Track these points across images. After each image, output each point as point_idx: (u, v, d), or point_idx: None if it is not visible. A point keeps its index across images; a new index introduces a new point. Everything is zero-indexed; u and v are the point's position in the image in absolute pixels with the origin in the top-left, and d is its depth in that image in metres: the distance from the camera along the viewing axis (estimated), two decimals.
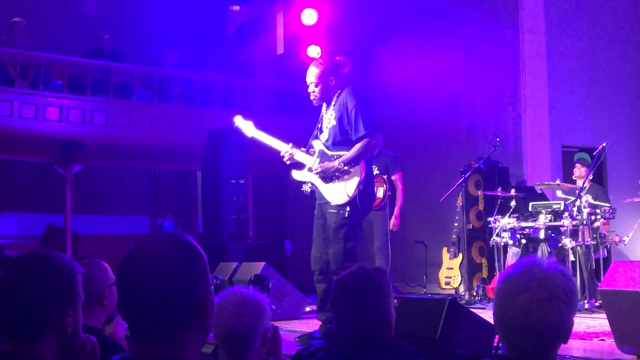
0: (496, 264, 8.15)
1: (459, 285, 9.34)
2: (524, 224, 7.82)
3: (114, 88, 11.13)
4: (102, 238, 12.37)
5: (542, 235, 7.72)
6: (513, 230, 7.90)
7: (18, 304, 1.93)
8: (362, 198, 5.42)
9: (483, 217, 9.27)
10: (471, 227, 9.52)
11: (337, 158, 5.42)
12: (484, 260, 9.37)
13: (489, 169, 9.36)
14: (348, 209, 5.38)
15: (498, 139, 8.76)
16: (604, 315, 4.93)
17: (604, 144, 7.76)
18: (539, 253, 7.81)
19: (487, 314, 5.27)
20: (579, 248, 7.42)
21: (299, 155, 5.59)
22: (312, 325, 6.40)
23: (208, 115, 11.15)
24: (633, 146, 10.68)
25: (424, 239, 10.44)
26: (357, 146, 5.39)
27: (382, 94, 11.17)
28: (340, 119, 5.44)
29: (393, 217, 8.62)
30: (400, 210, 8.71)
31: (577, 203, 7.51)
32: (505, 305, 1.87)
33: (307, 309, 7.55)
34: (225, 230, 9.19)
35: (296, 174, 5.69)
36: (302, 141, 5.73)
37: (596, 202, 7.76)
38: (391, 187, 8.52)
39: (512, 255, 8.00)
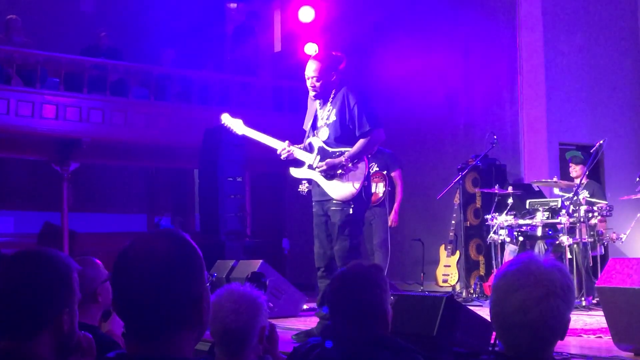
0: (493, 262, 8.16)
1: (456, 282, 9.34)
2: (521, 222, 7.83)
3: (111, 86, 11.10)
4: (99, 236, 12.35)
5: (539, 232, 7.73)
6: (510, 228, 7.90)
7: (14, 301, 1.93)
8: (366, 193, 5.46)
9: (480, 214, 9.28)
10: (468, 225, 9.52)
11: (338, 155, 5.42)
12: (481, 258, 9.38)
13: (486, 166, 9.36)
14: (352, 205, 5.39)
15: (495, 137, 8.77)
16: (601, 313, 4.94)
17: (602, 141, 7.77)
18: (536, 250, 7.81)
19: (484, 312, 5.27)
20: (576, 245, 7.43)
21: (298, 152, 5.58)
22: (309, 322, 6.40)
23: (205, 113, 11.12)
24: (630, 143, 10.69)
25: (422, 237, 10.44)
26: (361, 142, 5.41)
27: (380, 91, 11.17)
28: (341, 115, 5.43)
29: (392, 213, 8.64)
30: (399, 206, 8.73)
31: (575, 200, 7.51)
32: (502, 302, 1.87)
33: (305, 306, 7.56)
34: (222, 228, 9.18)
35: (295, 172, 5.67)
36: (299, 139, 5.72)
37: (593, 199, 7.77)
38: (390, 184, 8.54)
39: (510, 252, 8.01)
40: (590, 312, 6.80)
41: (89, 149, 10.88)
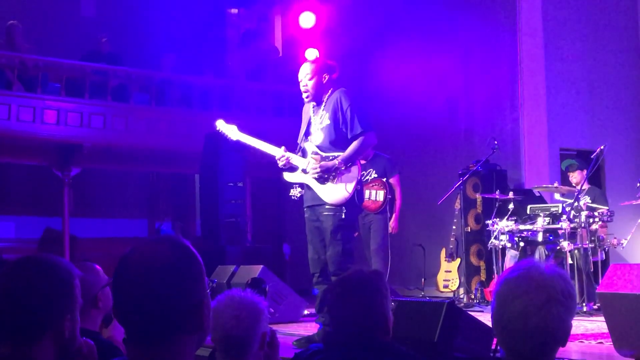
0: (494, 267, 8.15)
1: (457, 288, 9.34)
2: (522, 227, 7.82)
3: (111, 91, 11.12)
4: (100, 241, 12.35)
5: (540, 238, 7.72)
6: (511, 233, 7.90)
7: (16, 307, 1.93)
8: (359, 198, 5.47)
9: (481, 220, 9.27)
10: (469, 230, 9.52)
11: (332, 159, 5.43)
12: (482, 263, 9.37)
13: (487, 171, 9.36)
14: (344, 210, 5.39)
15: (496, 142, 8.77)
16: (602, 318, 4.93)
17: (602, 147, 7.76)
18: (537, 256, 7.81)
19: (485, 317, 5.26)
20: (577, 251, 7.42)
21: (294, 158, 5.59)
22: (310, 328, 6.39)
23: (206, 118, 11.09)
24: (631, 149, 10.69)
25: (422, 242, 10.43)
26: (354, 145, 5.42)
27: (380, 97, 11.18)
28: (335, 119, 5.45)
29: (392, 219, 8.60)
30: (399, 212, 8.70)
31: (575, 206, 7.51)
32: (503, 308, 1.87)
33: (305, 312, 7.55)
34: (223, 234, 9.19)
35: (288, 176, 5.68)
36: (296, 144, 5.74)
37: (594, 205, 7.76)
38: (390, 190, 8.50)
39: (510, 258, 8.00)
40: (591, 318, 6.79)
41: (90, 154, 10.89)
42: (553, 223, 7.62)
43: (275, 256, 11.67)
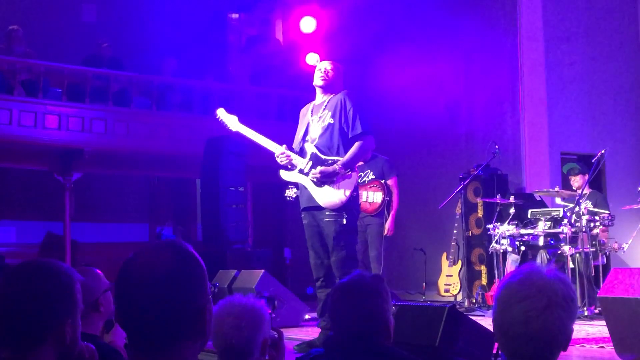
0: (495, 271, 8.15)
1: (459, 292, 9.33)
2: (523, 231, 7.83)
3: (113, 96, 11.13)
4: (101, 246, 12.36)
5: (541, 242, 7.72)
6: (512, 238, 7.90)
7: (17, 312, 1.93)
8: (355, 202, 5.49)
9: (482, 224, 9.27)
10: (470, 234, 9.52)
11: (331, 163, 5.44)
12: (483, 268, 9.36)
13: (488, 176, 9.36)
14: (345, 215, 5.40)
15: (497, 146, 8.77)
16: (604, 323, 4.93)
17: (603, 151, 7.77)
18: (538, 260, 7.81)
19: (486, 322, 5.26)
20: (578, 255, 7.42)
21: (293, 157, 5.60)
22: (311, 333, 6.39)
23: (207, 122, 11.10)
24: (632, 153, 10.69)
25: (423, 246, 10.43)
26: (353, 149, 5.46)
27: (381, 101, 11.19)
28: (338, 118, 5.51)
29: (388, 222, 8.55)
30: (396, 215, 8.64)
31: (576, 210, 7.51)
32: (505, 312, 1.87)
33: (306, 316, 7.54)
34: (224, 238, 9.18)
35: (285, 175, 5.69)
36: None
37: (595, 209, 7.76)
38: (388, 192, 8.42)
39: (511, 262, 8.00)
40: (592, 322, 6.79)
41: (91, 159, 10.90)
42: (554, 227, 7.62)
43: (276, 261, 11.68)
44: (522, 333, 1.83)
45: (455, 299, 9.21)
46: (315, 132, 5.58)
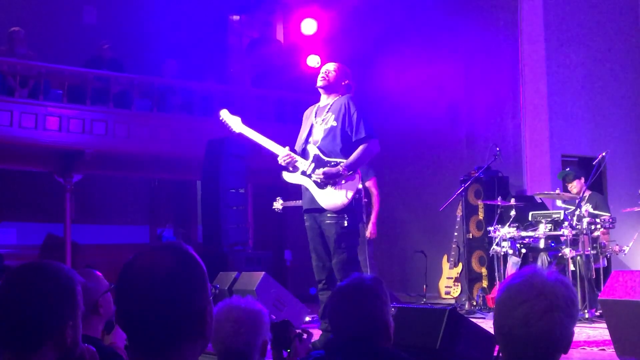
0: (496, 274, 8.14)
1: (459, 294, 9.33)
2: (523, 234, 7.82)
3: (113, 98, 11.13)
4: (101, 248, 12.35)
5: (542, 244, 7.72)
6: (513, 240, 7.90)
7: (17, 314, 1.93)
8: (357, 205, 5.48)
9: (483, 226, 9.27)
10: (471, 237, 9.51)
11: (334, 165, 5.44)
12: (484, 270, 9.36)
13: (488, 178, 9.36)
14: (346, 217, 5.40)
15: (498, 149, 8.77)
16: (605, 325, 4.93)
17: (604, 154, 7.77)
18: (539, 262, 7.80)
19: (487, 324, 5.27)
20: (579, 257, 7.42)
21: (297, 159, 5.60)
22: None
23: (208, 124, 11.13)
24: (633, 155, 10.68)
25: (424, 249, 10.43)
26: (358, 151, 5.45)
27: (382, 103, 11.19)
28: (342, 121, 5.49)
29: (370, 224, 8.51)
30: (377, 217, 8.59)
31: (577, 212, 7.51)
32: (505, 315, 1.87)
33: (307, 318, 7.54)
34: (225, 240, 9.18)
35: (288, 176, 5.69)
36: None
37: (596, 212, 7.76)
38: (366, 194, 8.29)
39: (512, 264, 7.99)
40: (593, 325, 6.78)
41: (92, 161, 10.89)
42: (555, 230, 7.62)
43: (276, 262, 11.68)
44: (523, 336, 1.83)
45: (456, 301, 9.21)
46: (318, 134, 5.58)
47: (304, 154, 5.64)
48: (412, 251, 10.69)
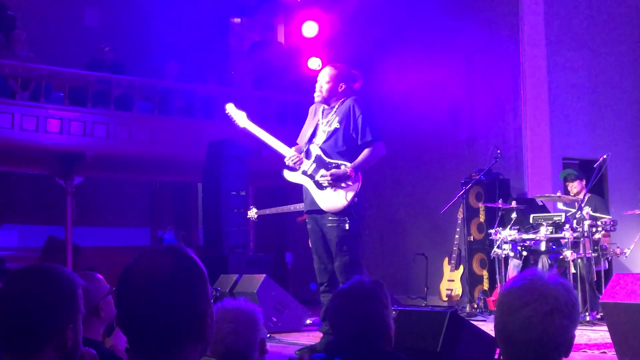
0: (497, 276, 8.14)
1: (460, 297, 9.32)
2: (525, 236, 7.82)
3: (115, 100, 11.14)
4: (102, 250, 12.36)
5: (543, 247, 7.72)
6: (514, 242, 7.89)
7: (18, 317, 1.93)
8: (358, 207, 5.47)
9: (484, 229, 9.26)
10: (472, 239, 9.51)
11: (335, 166, 5.43)
12: (485, 273, 9.35)
13: (489, 180, 9.35)
14: (348, 220, 5.39)
15: (499, 151, 8.77)
16: (606, 328, 4.93)
17: (605, 156, 7.76)
18: (540, 265, 7.80)
19: (488, 327, 5.27)
20: (579, 260, 7.41)
21: (304, 160, 5.60)
22: (313, 337, 6.39)
23: (209, 127, 11.16)
24: (634, 158, 10.68)
25: (425, 251, 10.42)
26: (365, 153, 5.44)
27: (383, 105, 11.18)
28: (345, 124, 5.48)
29: None
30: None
31: (578, 215, 7.50)
32: (506, 318, 1.87)
33: (308, 321, 7.54)
34: (226, 242, 9.18)
35: (289, 175, 5.69)
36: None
37: (596, 214, 7.75)
38: None
39: (513, 267, 7.99)
40: (594, 327, 6.78)
41: (93, 163, 10.91)
42: (556, 232, 7.61)
43: (277, 265, 11.67)
44: (524, 339, 1.83)
45: (457, 303, 9.20)
46: (322, 135, 5.58)
47: (306, 153, 5.63)
48: (413, 253, 10.68)
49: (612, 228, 7.56)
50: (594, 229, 7.46)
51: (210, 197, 9.57)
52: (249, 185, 10.28)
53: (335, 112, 5.58)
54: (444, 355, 3.97)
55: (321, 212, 5.49)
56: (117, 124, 11.07)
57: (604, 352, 5.23)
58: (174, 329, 1.62)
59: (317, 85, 5.63)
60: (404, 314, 4.31)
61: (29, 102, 10.51)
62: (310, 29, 11.87)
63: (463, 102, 10.81)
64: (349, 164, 5.42)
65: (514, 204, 8.21)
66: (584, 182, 8.14)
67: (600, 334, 6.22)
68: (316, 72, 5.86)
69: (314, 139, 5.63)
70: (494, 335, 1.96)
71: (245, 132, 5.91)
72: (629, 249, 7.64)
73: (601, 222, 7.52)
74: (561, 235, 7.50)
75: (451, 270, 9.48)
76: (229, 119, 5.98)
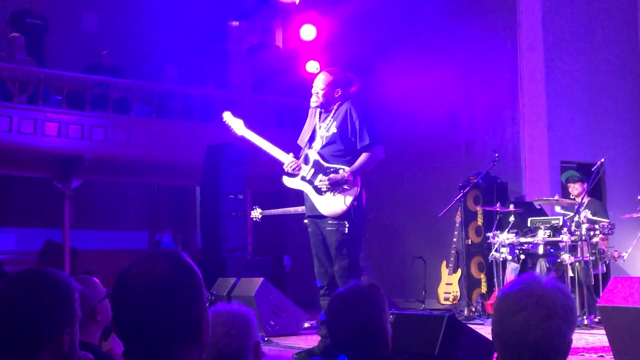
0: (495, 280, 8.14)
1: (458, 300, 9.32)
2: (522, 240, 7.82)
3: (113, 103, 11.14)
4: (100, 253, 12.34)
5: (540, 250, 7.72)
6: (512, 246, 7.89)
7: (15, 321, 1.93)
8: (358, 211, 5.45)
9: (482, 232, 9.26)
10: (470, 243, 9.51)
11: (333, 171, 5.42)
12: (482, 276, 9.35)
13: (487, 184, 9.36)
14: (347, 224, 5.38)
15: (497, 155, 8.78)
16: (603, 331, 4.92)
17: (603, 160, 7.76)
18: (538, 269, 7.80)
19: (486, 330, 5.26)
20: (577, 264, 7.41)
21: (302, 166, 5.59)
22: (311, 341, 6.38)
23: (207, 130, 11.15)
24: (632, 162, 10.68)
25: (423, 254, 10.42)
26: (363, 157, 5.42)
27: (381, 109, 11.17)
28: (343, 129, 5.46)
29: None
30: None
31: (576, 218, 7.51)
32: (504, 322, 1.87)
33: (306, 324, 7.53)
34: (224, 246, 9.18)
35: (288, 181, 5.68)
36: (298, 154, 5.73)
37: (595, 218, 7.76)
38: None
39: (511, 270, 7.99)
40: (592, 331, 6.78)
41: (91, 166, 10.90)
42: (554, 236, 7.62)
43: (275, 268, 11.66)
44: (522, 343, 1.83)
45: (455, 307, 9.20)
46: (320, 140, 5.57)
47: (304, 158, 5.63)
48: (411, 257, 10.68)
49: (610, 231, 7.57)
50: (592, 233, 7.46)
51: (209, 200, 9.56)
52: (247, 188, 10.27)
53: (332, 116, 5.56)
54: (441, 358, 3.97)
55: (321, 216, 5.48)
56: (116, 127, 11.07)
57: (602, 356, 5.23)
58: (170, 332, 1.62)
59: (313, 92, 5.61)
60: (401, 318, 4.31)
61: (27, 105, 10.51)
62: (308, 32, 11.87)
63: (461, 106, 10.81)
64: (347, 168, 5.40)
65: (511, 207, 8.21)
66: (585, 185, 8.13)
67: (598, 337, 6.22)
68: (314, 76, 5.85)
69: (312, 144, 5.62)
70: (491, 339, 1.96)
71: (243, 137, 5.90)
72: (626, 252, 7.64)
73: (599, 225, 7.53)
74: (559, 238, 7.50)
75: (449, 274, 9.48)
76: None
